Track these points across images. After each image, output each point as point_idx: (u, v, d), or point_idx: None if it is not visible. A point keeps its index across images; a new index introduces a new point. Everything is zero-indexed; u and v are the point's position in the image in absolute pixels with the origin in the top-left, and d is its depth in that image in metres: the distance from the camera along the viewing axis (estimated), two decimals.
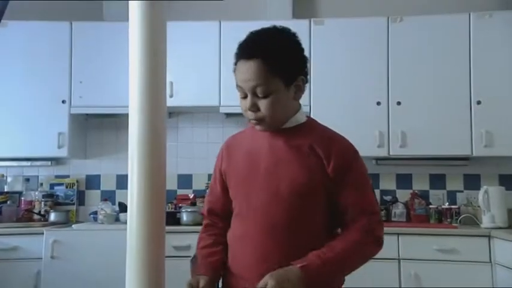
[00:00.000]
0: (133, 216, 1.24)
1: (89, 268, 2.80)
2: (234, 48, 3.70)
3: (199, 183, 3.53)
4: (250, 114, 1.31)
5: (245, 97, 1.31)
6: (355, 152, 1.35)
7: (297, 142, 1.33)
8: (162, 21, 1.34)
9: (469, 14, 3.18)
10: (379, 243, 1.33)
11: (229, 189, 1.42)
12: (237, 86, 1.32)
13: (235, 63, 1.33)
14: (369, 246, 1.32)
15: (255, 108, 1.30)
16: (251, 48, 1.30)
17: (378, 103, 3.19)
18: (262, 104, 1.29)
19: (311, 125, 1.40)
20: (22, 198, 3.47)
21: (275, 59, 1.28)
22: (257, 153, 1.36)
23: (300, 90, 1.35)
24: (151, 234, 1.23)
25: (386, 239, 3.09)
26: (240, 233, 1.36)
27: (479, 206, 3.15)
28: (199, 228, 2.99)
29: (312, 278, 1.20)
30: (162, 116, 1.35)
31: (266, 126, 1.34)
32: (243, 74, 1.29)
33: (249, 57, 1.28)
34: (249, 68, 1.28)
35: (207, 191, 1.56)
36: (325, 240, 1.30)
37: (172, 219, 3.04)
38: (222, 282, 1.41)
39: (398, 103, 3.17)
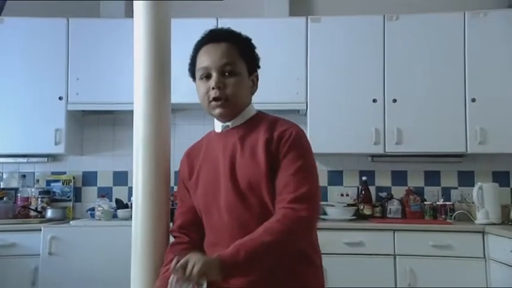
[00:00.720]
0: (138, 212, 1.26)
1: (87, 264, 2.81)
2: None
3: None
4: (214, 93, 1.33)
5: (207, 78, 1.34)
6: (298, 135, 1.32)
7: (249, 137, 1.35)
8: (168, 20, 1.36)
9: (464, 13, 3.21)
10: (303, 223, 1.23)
11: (194, 200, 1.40)
12: (201, 68, 1.35)
13: (198, 49, 1.38)
14: (290, 227, 1.21)
15: (221, 84, 1.32)
16: (219, 34, 1.38)
17: (374, 100, 3.21)
18: (229, 82, 1.33)
19: (261, 116, 1.42)
20: (18, 194, 3.45)
21: (242, 44, 1.38)
22: (215, 158, 1.38)
23: (254, 85, 1.42)
24: (156, 229, 1.25)
25: (383, 235, 3.13)
26: (212, 240, 1.34)
27: (473, 203, 3.18)
28: None
29: (227, 263, 1.14)
30: (167, 113, 1.37)
31: (228, 106, 1.35)
32: (212, 53, 1.34)
33: (219, 40, 1.35)
34: (219, 48, 1.34)
35: (178, 206, 1.48)
36: None
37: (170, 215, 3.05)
38: None
39: (394, 100, 3.19)
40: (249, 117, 1.40)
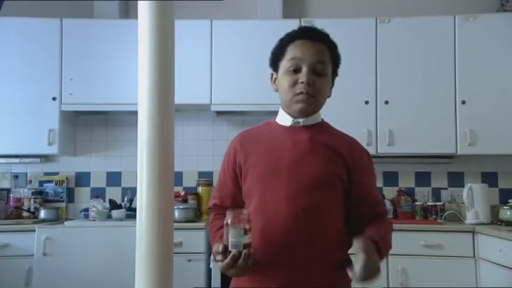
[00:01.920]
0: (142, 212, 1.27)
1: (82, 265, 2.81)
2: (225, 46, 3.71)
3: (189, 181, 3.56)
4: (303, 87, 1.34)
5: (295, 72, 1.36)
6: (369, 153, 1.48)
7: (321, 139, 1.39)
8: (172, 20, 1.37)
9: (454, 17, 3.26)
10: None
11: (243, 183, 1.41)
12: (293, 58, 1.36)
13: (290, 42, 1.39)
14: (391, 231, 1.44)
15: (311, 81, 1.34)
16: (317, 33, 1.40)
17: (366, 102, 3.25)
18: (318, 80, 1.36)
19: (327, 125, 1.48)
20: (11, 195, 3.44)
21: (335, 50, 1.42)
22: (279, 149, 1.39)
23: (331, 89, 1.45)
24: (161, 230, 1.26)
25: None
26: (261, 225, 1.32)
27: (462, 203, 3.24)
28: (191, 225, 3.05)
29: (382, 255, 1.29)
30: (171, 114, 1.38)
31: (311, 104, 1.37)
32: (308, 48, 1.36)
33: (315, 40, 1.38)
34: (315, 46, 1.37)
35: (216, 186, 1.54)
36: (340, 230, 1.37)
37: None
38: (234, 280, 1.41)
39: (386, 102, 3.24)
40: (318, 120, 1.45)
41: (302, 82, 1.34)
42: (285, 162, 1.36)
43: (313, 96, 1.36)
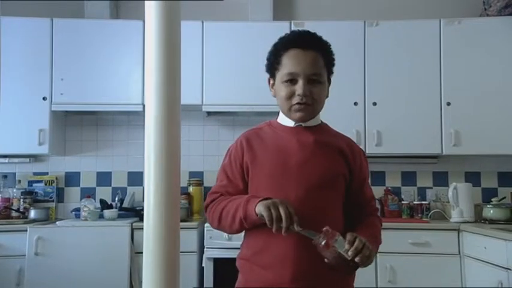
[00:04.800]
0: (149, 213, 1.30)
1: (74, 265, 2.81)
2: (216, 47, 3.73)
3: (181, 180, 3.58)
4: (299, 99, 1.38)
5: (292, 82, 1.39)
6: (365, 152, 1.58)
7: (325, 140, 1.45)
8: (178, 20, 1.40)
9: (440, 20, 3.35)
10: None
11: (250, 182, 1.44)
12: (288, 73, 1.39)
13: (284, 50, 1.41)
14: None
15: (308, 92, 1.38)
16: (310, 40, 1.42)
17: (355, 103, 3.32)
18: (315, 90, 1.39)
19: (326, 126, 1.53)
20: None
21: (328, 54, 1.44)
22: (285, 149, 1.43)
23: (328, 89, 1.49)
24: (169, 229, 1.29)
25: None
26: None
27: (447, 202, 3.32)
28: (182, 224, 3.08)
29: (375, 248, 1.35)
30: (177, 114, 1.41)
31: (309, 112, 1.42)
32: (301, 60, 1.38)
33: (308, 48, 1.39)
34: (309, 56, 1.39)
35: (217, 183, 1.50)
36: (342, 226, 1.41)
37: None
38: (242, 277, 1.43)
39: (374, 104, 3.31)
40: (319, 122, 1.50)
41: (299, 94, 1.38)
42: (293, 163, 1.40)
43: (310, 105, 1.40)
